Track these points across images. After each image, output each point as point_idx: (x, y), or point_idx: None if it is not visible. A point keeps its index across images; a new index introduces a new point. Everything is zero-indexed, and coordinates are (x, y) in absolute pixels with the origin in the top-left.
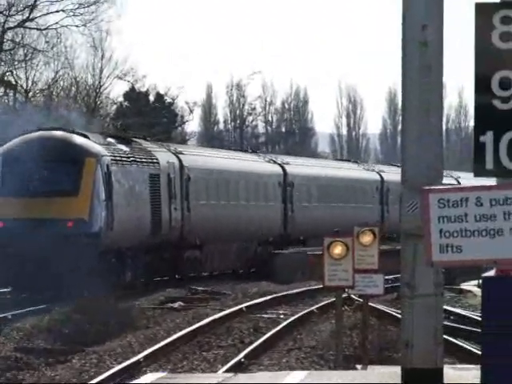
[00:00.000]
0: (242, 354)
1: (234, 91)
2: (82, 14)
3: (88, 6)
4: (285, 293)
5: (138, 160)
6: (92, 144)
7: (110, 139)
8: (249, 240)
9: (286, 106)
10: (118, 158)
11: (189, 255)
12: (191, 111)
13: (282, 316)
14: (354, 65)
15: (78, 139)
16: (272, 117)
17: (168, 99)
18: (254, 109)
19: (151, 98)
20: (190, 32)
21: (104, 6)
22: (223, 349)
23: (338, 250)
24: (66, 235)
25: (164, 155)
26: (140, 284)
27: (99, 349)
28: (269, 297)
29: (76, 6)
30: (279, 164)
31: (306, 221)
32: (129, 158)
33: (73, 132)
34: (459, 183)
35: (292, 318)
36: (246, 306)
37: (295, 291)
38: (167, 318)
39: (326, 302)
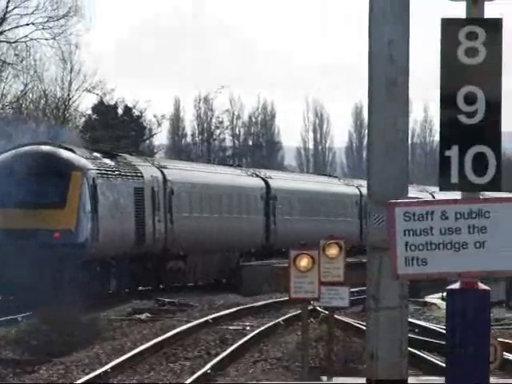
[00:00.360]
0: (208, 366)
1: (201, 105)
2: (51, 28)
3: (57, 20)
4: (251, 305)
5: (123, 174)
6: (78, 158)
7: (95, 153)
8: (231, 251)
9: (253, 119)
10: (103, 172)
11: (172, 266)
12: (159, 124)
13: (248, 328)
14: (320, 80)
15: (65, 153)
16: (239, 130)
17: (136, 112)
18: (222, 122)
19: (119, 111)
20: (158, 46)
21: (73, 20)
22: (190, 360)
23: (304, 262)
24: (53, 245)
25: (148, 169)
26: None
27: (66, 359)
28: (235, 309)
29: (45, 20)
30: (262, 178)
31: (288, 233)
32: (114, 171)
33: (60, 146)
34: (434, 198)
35: (258, 330)
36: (212, 318)
37: (261, 303)
38: (134, 330)
39: (292, 314)
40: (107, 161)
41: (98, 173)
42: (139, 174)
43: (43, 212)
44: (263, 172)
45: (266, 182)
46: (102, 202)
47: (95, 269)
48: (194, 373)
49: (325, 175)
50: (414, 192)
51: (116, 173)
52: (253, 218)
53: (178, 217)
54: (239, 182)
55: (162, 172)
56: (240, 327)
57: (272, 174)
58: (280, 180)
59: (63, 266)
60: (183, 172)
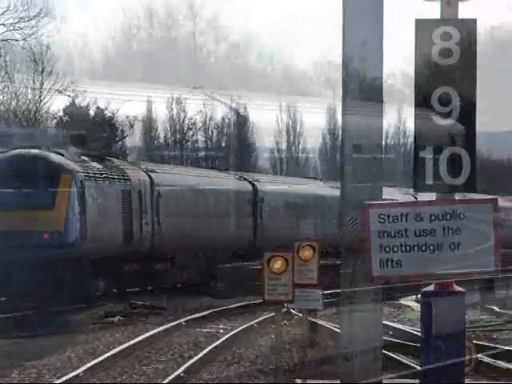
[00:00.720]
0: (181, 369)
1: (174, 106)
2: (22, 29)
3: (28, 21)
4: (225, 307)
5: (110, 177)
6: (67, 161)
7: (84, 157)
8: (219, 253)
9: (226, 120)
10: (91, 175)
11: (160, 267)
12: (131, 126)
13: (221, 330)
14: (294, 81)
15: (55, 157)
16: (212, 131)
17: (108, 114)
18: (194, 123)
19: (91, 112)
20: (130, 45)
21: (44, 21)
22: (162, 363)
23: (278, 264)
24: (43, 246)
25: (135, 173)
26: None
27: (38, 363)
28: (209, 311)
29: (16, 21)
30: (250, 181)
31: (275, 235)
32: (102, 174)
33: (49, 150)
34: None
35: (232, 333)
36: (185, 321)
37: (235, 305)
38: (107, 333)
39: (266, 316)
40: (95, 164)
41: (86, 175)
42: (126, 178)
43: (33, 213)
44: (251, 176)
45: (254, 185)
46: (89, 203)
47: (83, 269)
48: (167, 376)
49: (309, 178)
50: (397, 194)
51: (104, 176)
52: (240, 220)
53: (165, 219)
54: (227, 185)
55: (150, 176)
56: (213, 330)
57: (259, 178)
58: (267, 183)
59: (52, 267)
60: (171, 176)
